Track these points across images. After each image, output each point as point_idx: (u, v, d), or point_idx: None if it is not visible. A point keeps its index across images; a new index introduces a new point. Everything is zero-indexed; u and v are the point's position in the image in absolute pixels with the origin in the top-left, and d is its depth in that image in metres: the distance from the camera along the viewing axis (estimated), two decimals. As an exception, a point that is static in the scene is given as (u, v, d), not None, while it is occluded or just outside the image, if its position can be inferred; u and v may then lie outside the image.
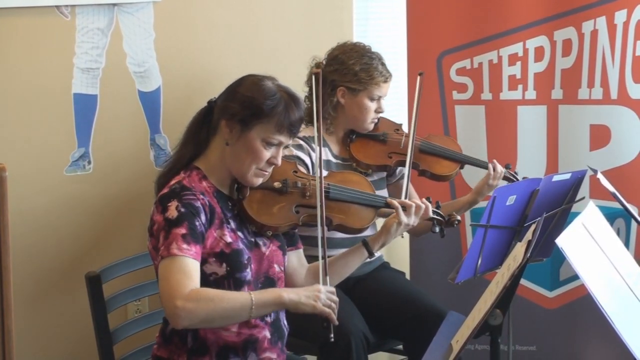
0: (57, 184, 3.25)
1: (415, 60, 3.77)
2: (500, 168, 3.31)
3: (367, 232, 2.89)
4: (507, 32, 3.69)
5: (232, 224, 2.54)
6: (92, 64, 3.27)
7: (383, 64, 3.26)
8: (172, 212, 2.43)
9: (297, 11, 3.72)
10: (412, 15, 3.78)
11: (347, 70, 3.21)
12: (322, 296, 2.44)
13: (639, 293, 2.40)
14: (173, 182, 2.52)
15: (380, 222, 2.96)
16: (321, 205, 2.55)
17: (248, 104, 2.51)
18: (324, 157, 3.18)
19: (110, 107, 3.32)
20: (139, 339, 2.96)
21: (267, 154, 2.53)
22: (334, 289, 2.49)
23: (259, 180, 2.58)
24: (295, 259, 2.74)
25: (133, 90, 3.38)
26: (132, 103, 3.38)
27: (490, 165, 3.30)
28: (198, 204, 2.46)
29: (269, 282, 2.60)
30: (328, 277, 2.52)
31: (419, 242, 3.76)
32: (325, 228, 2.57)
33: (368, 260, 3.28)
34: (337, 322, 2.45)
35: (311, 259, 2.79)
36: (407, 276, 3.74)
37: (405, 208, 2.78)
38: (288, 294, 2.43)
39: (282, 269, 2.65)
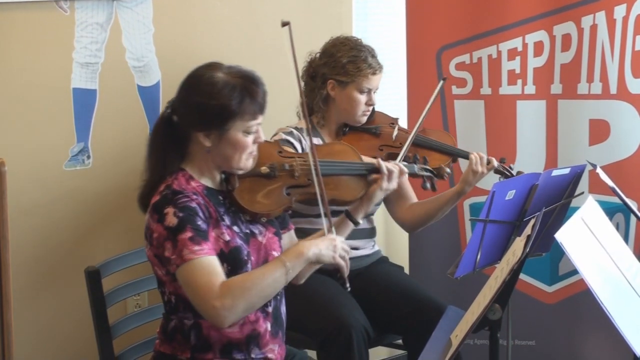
0: (57, 179, 3.25)
1: (415, 55, 3.77)
2: (484, 156, 3.20)
3: None
4: (506, 27, 3.69)
5: (227, 220, 2.51)
6: (91, 58, 3.26)
7: (373, 57, 3.24)
8: (171, 219, 2.39)
9: (296, 6, 3.72)
10: (411, 10, 3.77)
11: (336, 63, 3.21)
12: (339, 246, 2.48)
13: (637, 287, 2.41)
14: (162, 187, 2.47)
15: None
16: (318, 180, 2.57)
17: (216, 111, 2.44)
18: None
19: (109, 102, 3.32)
20: (139, 334, 2.96)
21: (250, 140, 2.50)
22: (343, 238, 2.56)
23: (252, 162, 2.54)
24: (287, 240, 2.72)
25: (132, 85, 3.37)
26: (131, 98, 3.37)
27: (472, 155, 3.20)
28: (194, 204, 2.42)
29: None
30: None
31: (418, 236, 3.75)
32: (321, 203, 2.56)
33: (365, 253, 3.31)
34: (347, 273, 2.49)
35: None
36: (406, 270, 3.74)
37: (390, 174, 2.80)
38: (309, 249, 2.44)
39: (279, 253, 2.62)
